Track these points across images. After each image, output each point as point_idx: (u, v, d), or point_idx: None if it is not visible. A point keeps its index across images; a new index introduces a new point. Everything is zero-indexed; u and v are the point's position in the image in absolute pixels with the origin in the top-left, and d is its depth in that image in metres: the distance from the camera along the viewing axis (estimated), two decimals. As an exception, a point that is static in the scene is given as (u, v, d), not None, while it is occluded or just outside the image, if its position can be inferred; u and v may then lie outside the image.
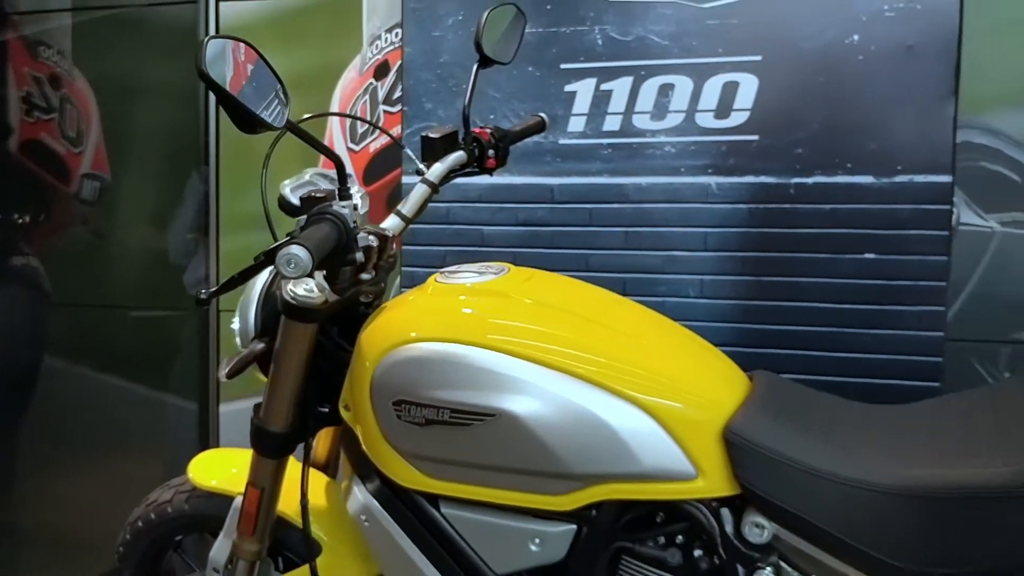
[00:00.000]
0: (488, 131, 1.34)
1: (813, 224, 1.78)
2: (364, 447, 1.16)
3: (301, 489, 1.24)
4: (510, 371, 1.04)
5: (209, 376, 2.44)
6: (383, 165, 2.24)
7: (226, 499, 1.38)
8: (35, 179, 2.58)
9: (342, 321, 1.23)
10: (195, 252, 2.47)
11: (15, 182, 2.60)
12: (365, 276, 1.18)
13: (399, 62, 2.16)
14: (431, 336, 1.08)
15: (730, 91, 1.82)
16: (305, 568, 1.34)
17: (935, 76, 1.71)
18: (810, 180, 1.78)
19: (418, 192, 1.24)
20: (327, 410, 1.24)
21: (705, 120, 1.84)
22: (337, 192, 1.10)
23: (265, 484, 1.27)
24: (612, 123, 1.89)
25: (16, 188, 2.61)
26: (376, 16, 2.27)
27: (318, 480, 1.41)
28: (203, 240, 2.45)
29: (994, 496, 0.87)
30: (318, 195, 1.10)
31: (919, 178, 1.74)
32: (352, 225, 1.07)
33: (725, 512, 1.03)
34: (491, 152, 1.34)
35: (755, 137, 1.81)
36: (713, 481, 1.02)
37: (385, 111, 2.25)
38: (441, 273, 1.22)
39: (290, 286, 1.08)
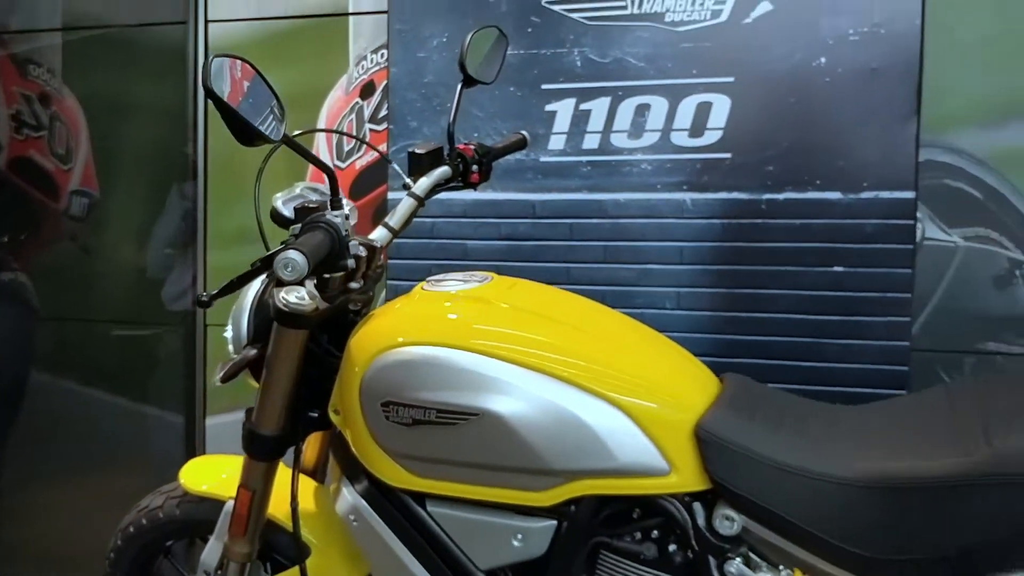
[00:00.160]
0: (472, 147, 1.40)
1: (784, 238, 1.84)
2: (353, 448, 1.20)
3: (291, 492, 1.28)
4: (493, 373, 1.09)
5: (196, 389, 2.47)
6: (369, 181, 2.29)
7: (217, 503, 1.41)
8: (24, 196, 2.61)
9: (331, 329, 1.28)
10: (173, 267, 2.51)
11: (4, 199, 2.63)
12: (354, 285, 1.23)
13: (385, 82, 2.22)
14: (418, 340, 1.14)
15: (704, 111, 1.88)
16: (294, 570, 1.37)
17: (898, 97, 1.79)
18: (781, 196, 1.85)
19: (405, 205, 1.30)
20: (316, 415, 1.28)
21: (680, 139, 1.90)
22: (330, 203, 1.15)
23: (256, 486, 1.31)
24: (591, 141, 1.95)
25: (5, 205, 2.63)
26: (362, 38, 2.33)
27: (307, 485, 1.45)
28: (183, 255, 2.49)
29: (947, 485, 0.94)
30: (311, 205, 1.15)
31: (884, 194, 1.81)
32: (344, 233, 1.12)
33: (697, 506, 1.08)
34: (475, 167, 1.40)
35: (728, 155, 1.87)
36: (685, 476, 1.07)
37: (371, 129, 2.30)
38: (427, 281, 1.28)
39: (282, 294, 1.13)
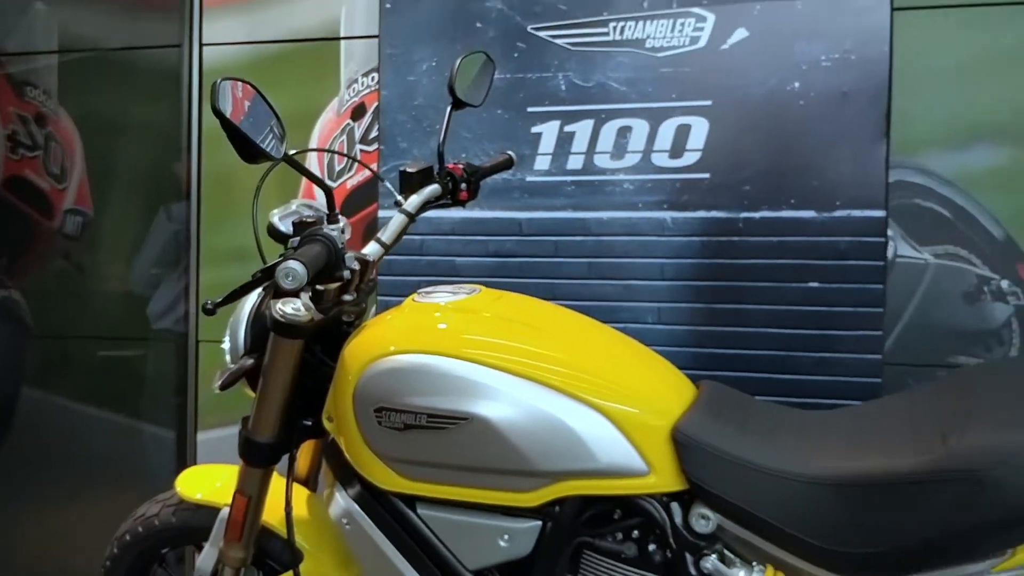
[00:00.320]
0: (461, 166, 1.45)
1: (760, 255, 1.91)
2: (346, 454, 1.25)
3: (286, 497, 1.32)
4: (481, 379, 1.15)
5: (187, 405, 2.50)
6: (359, 200, 2.34)
7: (212, 511, 1.45)
8: (18, 214, 2.64)
9: (325, 339, 1.33)
10: (159, 285, 2.54)
11: (-2, 217, 2.66)
12: (347, 297, 1.28)
13: (375, 104, 2.28)
14: (409, 348, 1.19)
15: (683, 133, 1.95)
16: (290, 573, 1.41)
17: (868, 120, 1.86)
18: (757, 215, 1.92)
19: (396, 221, 1.35)
20: (310, 423, 1.33)
21: (660, 160, 1.97)
22: (326, 217, 1.21)
23: (252, 492, 1.35)
24: (575, 162, 2.02)
25: (-1, 223, 2.67)
26: (353, 61, 2.38)
27: (300, 493, 1.49)
28: (169, 274, 2.52)
29: (906, 482, 0.99)
30: (309, 220, 1.21)
31: (856, 213, 1.88)
32: (340, 246, 1.18)
33: (674, 506, 1.14)
34: (463, 185, 1.45)
35: (706, 175, 1.94)
36: (663, 477, 1.13)
37: (361, 150, 2.36)
38: (418, 293, 1.33)
39: (279, 305, 1.18)
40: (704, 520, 1.12)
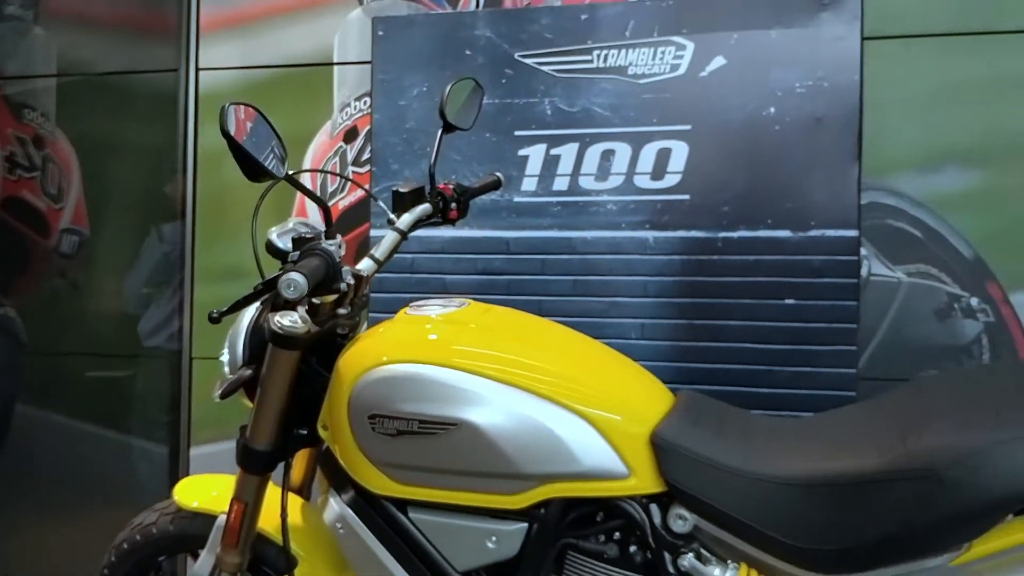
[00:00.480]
0: (451, 187, 1.51)
1: (739, 273, 1.98)
2: (341, 460, 1.31)
3: (281, 504, 1.37)
4: (470, 386, 1.21)
5: (180, 420, 2.53)
6: (351, 220, 2.40)
7: (209, 518, 1.49)
8: (15, 234, 2.69)
9: (321, 351, 1.39)
10: (149, 304, 2.59)
11: (-4, 237, 2.70)
12: (342, 311, 1.35)
13: (367, 127, 2.35)
14: (402, 358, 1.25)
15: (664, 156, 2.03)
16: (283, 579, 1.46)
17: (841, 144, 1.94)
18: (735, 234, 1.99)
19: (389, 239, 1.41)
20: (305, 432, 1.38)
21: (642, 181, 2.04)
22: (324, 233, 1.27)
23: (249, 499, 1.39)
24: (561, 183, 2.09)
25: (-4, 242, 2.71)
26: (346, 86, 2.45)
27: (295, 502, 1.54)
28: (160, 293, 2.57)
29: (868, 481, 1.06)
30: (307, 236, 1.27)
31: (830, 232, 1.95)
32: (338, 260, 1.24)
33: (653, 507, 1.20)
34: (453, 205, 1.51)
35: (686, 196, 2.01)
36: (643, 480, 1.19)
37: (354, 171, 2.43)
38: (410, 307, 1.39)
39: (277, 317, 1.24)
40: (681, 520, 1.17)
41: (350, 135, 2.45)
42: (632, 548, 1.21)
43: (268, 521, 1.46)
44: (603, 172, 2.06)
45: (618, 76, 2.06)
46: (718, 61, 2.01)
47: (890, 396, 1.23)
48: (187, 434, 2.53)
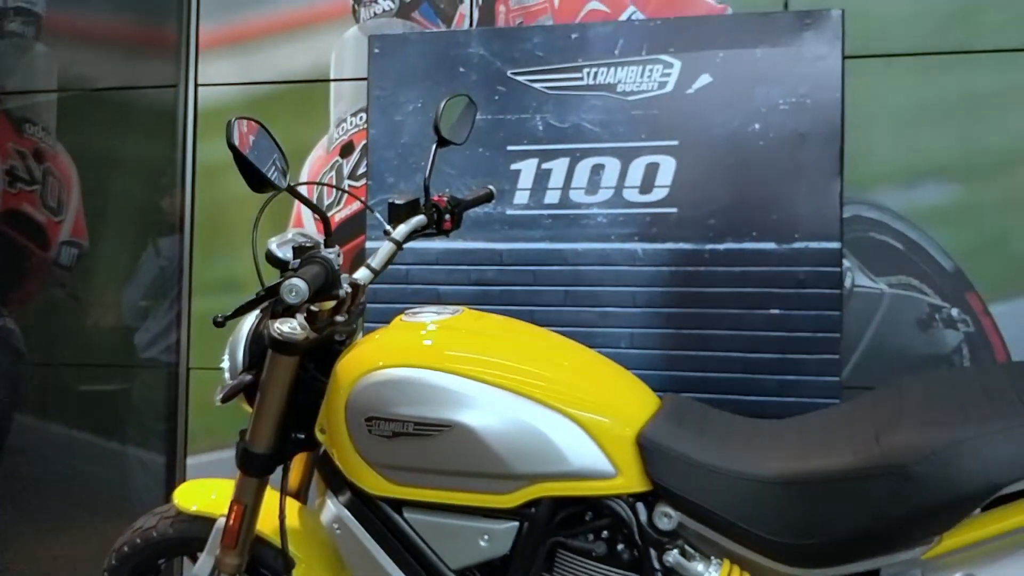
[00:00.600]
0: (445, 199, 1.55)
1: (725, 284, 2.02)
2: (338, 462, 1.35)
3: (280, 507, 1.41)
4: (463, 390, 1.25)
5: (177, 430, 2.57)
6: (346, 233, 2.45)
7: (208, 521, 1.53)
8: (15, 246, 2.73)
9: (318, 358, 1.43)
10: (147, 317, 2.62)
11: (-4, 249, 2.74)
12: (340, 318, 1.39)
13: (363, 142, 2.40)
14: (398, 362, 1.29)
15: (652, 171, 2.07)
16: (280, 581, 1.50)
17: (823, 159, 1.99)
18: (722, 246, 2.03)
19: (385, 249, 1.46)
20: (303, 437, 1.43)
21: (631, 195, 2.09)
22: (323, 243, 1.32)
23: (248, 500, 1.43)
24: (552, 197, 2.13)
25: (-4, 255, 2.74)
26: (342, 102, 2.50)
27: (292, 506, 1.57)
28: (157, 306, 2.60)
29: (843, 478, 1.11)
30: (307, 245, 1.32)
31: (813, 244, 2.00)
32: (337, 267, 1.29)
33: (639, 505, 1.24)
34: (447, 216, 1.55)
35: (674, 210, 2.06)
36: (629, 479, 1.23)
37: (350, 185, 2.48)
38: (405, 314, 1.44)
39: (276, 324, 1.29)
40: (667, 518, 1.22)
41: (346, 149, 2.50)
42: (619, 546, 1.26)
43: (266, 524, 1.50)
44: (593, 186, 2.11)
45: (607, 93, 2.11)
46: (704, 79, 2.06)
47: (865, 398, 1.29)
48: (184, 443, 2.56)
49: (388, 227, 1.48)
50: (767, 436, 1.27)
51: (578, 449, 1.23)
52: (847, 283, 2.16)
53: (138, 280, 2.65)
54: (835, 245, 1.99)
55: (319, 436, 1.39)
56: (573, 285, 2.11)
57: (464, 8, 2.40)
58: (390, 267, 1.46)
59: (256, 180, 1.20)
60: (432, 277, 2.17)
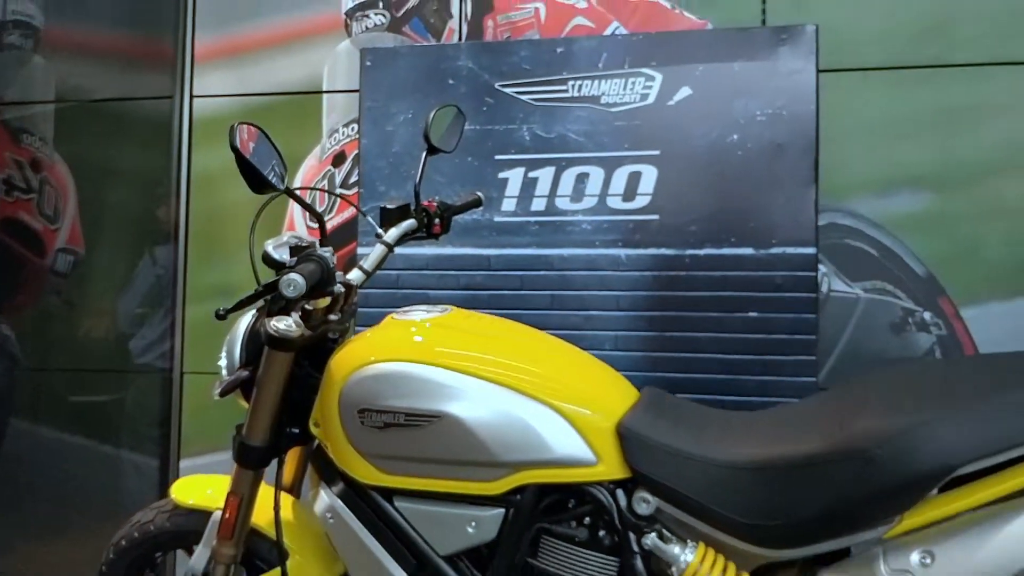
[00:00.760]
0: (435, 204, 1.61)
1: (705, 288, 2.09)
2: (331, 454, 1.40)
3: (275, 499, 1.46)
4: (452, 382, 1.31)
5: (171, 434, 2.61)
6: (338, 240, 2.49)
7: (204, 515, 1.58)
8: (11, 253, 2.76)
9: (312, 355, 1.49)
10: (143, 324, 2.67)
11: (-8, 256, 2.77)
12: (333, 317, 1.45)
13: (355, 152, 2.46)
14: (389, 357, 1.35)
15: (635, 179, 2.15)
16: (274, 571, 1.55)
17: (799, 168, 2.07)
18: (702, 251, 2.10)
19: (377, 251, 1.52)
20: (297, 431, 1.48)
21: (615, 202, 2.16)
22: (319, 242, 1.39)
23: (244, 493, 1.48)
24: (538, 204, 2.20)
25: (-8, 262, 2.78)
26: (335, 113, 2.56)
27: (285, 500, 1.63)
28: (152, 314, 2.65)
29: (808, 463, 1.17)
30: (303, 245, 1.38)
31: (790, 250, 2.07)
32: (332, 265, 1.35)
33: (619, 492, 1.30)
34: (437, 220, 1.61)
35: (656, 216, 2.13)
36: (610, 466, 1.29)
37: (342, 193, 2.54)
38: (396, 312, 1.50)
39: (272, 322, 1.34)
40: (645, 503, 1.28)
41: (338, 159, 2.55)
42: (601, 532, 1.32)
43: (261, 517, 1.55)
44: (578, 194, 2.18)
45: (592, 105, 2.18)
46: (685, 91, 2.13)
47: (835, 391, 1.35)
48: (177, 446, 2.60)
49: (380, 230, 1.54)
50: (739, 426, 1.34)
51: (561, 438, 1.29)
52: (824, 288, 2.23)
53: (135, 288, 2.69)
54: (811, 250, 2.06)
55: (313, 430, 1.45)
56: (559, 289, 2.17)
57: (453, 23, 2.48)
58: (381, 272, 1.52)
59: (256, 182, 1.26)
60: (422, 282, 2.23)
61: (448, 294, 2.21)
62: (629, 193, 2.15)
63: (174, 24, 2.66)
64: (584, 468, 1.29)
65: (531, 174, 2.20)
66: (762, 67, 2.10)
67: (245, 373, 1.47)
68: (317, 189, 2.52)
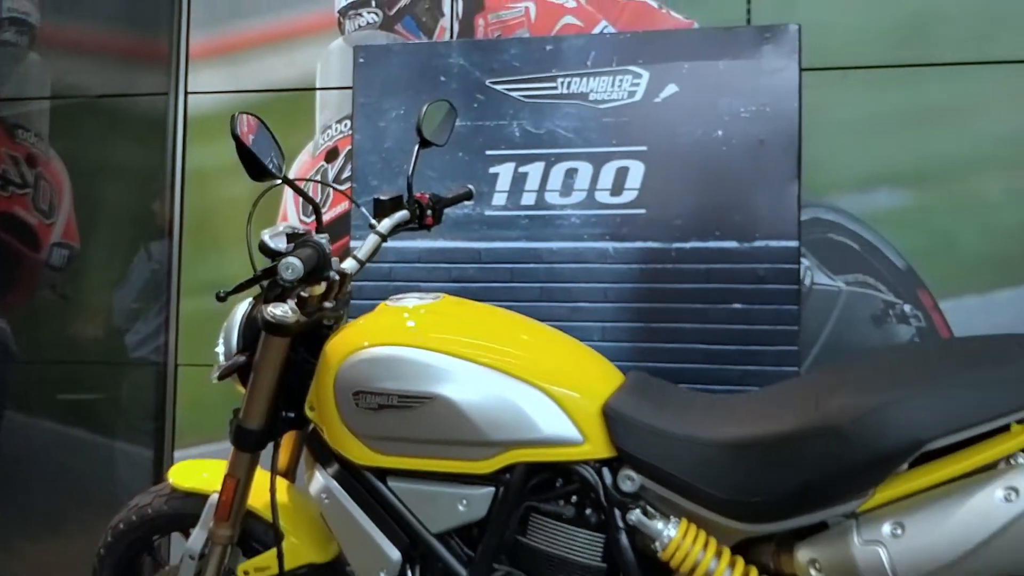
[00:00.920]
0: (427, 196, 1.66)
1: (691, 280, 2.13)
2: (326, 436, 1.45)
3: (271, 482, 1.50)
4: (443, 365, 1.36)
5: (165, 425, 2.64)
6: (330, 234, 2.51)
7: (201, 498, 1.62)
8: (6, 247, 2.79)
9: (308, 341, 1.53)
10: (138, 319, 2.70)
11: (-15, 251, 2.79)
12: (328, 304, 1.49)
13: (348, 148, 2.50)
14: (383, 341, 1.40)
15: (622, 174, 2.19)
16: (268, 553, 1.59)
17: (782, 164, 2.11)
18: (687, 245, 2.15)
19: (370, 241, 1.57)
20: (293, 416, 1.52)
21: (603, 197, 2.21)
22: (315, 229, 1.43)
23: (241, 475, 1.52)
24: (528, 199, 2.24)
25: (-13, 256, 2.80)
26: (328, 109, 2.60)
27: (281, 484, 1.67)
28: (147, 308, 2.68)
29: (784, 440, 1.22)
30: (300, 232, 1.43)
31: (773, 243, 2.12)
32: (328, 251, 1.39)
33: (605, 470, 1.35)
34: (429, 212, 1.66)
35: (643, 211, 2.17)
36: (596, 446, 1.34)
37: (335, 188, 2.58)
38: (389, 299, 1.54)
39: (269, 308, 1.39)
40: (629, 481, 1.33)
41: (331, 155, 2.60)
42: (587, 510, 1.36)
43: (257, 500, 1.59)
44: (567, 188, 2.22)
45: (580, 101, 2.23)
46: (671, 88, 2.18)
47: (813, 373, 1.41)
48: (171, 438, 2.64)
49: (373, 221, 1.58)
50: (720, 407, 1.39)
51: (549, 418, 1.34)
52: (807, 281, 2.28)
53: (130, 283, 2.72)
54: (793, 244, 2.11)
55: (309, 413, 1.49)
56: (548, 282, 2.21)
57: (445, 21, 2.52)
58: (374, 265, 1.56)
59: (256, 170, 1.30)
60: (414, 275, 2.27)
61: (439, 286, 2.24)
62: (617, 188, 2.19)
63: (169, 21, 2.69)
64: (571, 447, 1.34)
65: (521, 169, 2.25)
66: (746, 65, 2.14)
67: (242, 358, 1.51)
68: (313, 180, 2.56)
